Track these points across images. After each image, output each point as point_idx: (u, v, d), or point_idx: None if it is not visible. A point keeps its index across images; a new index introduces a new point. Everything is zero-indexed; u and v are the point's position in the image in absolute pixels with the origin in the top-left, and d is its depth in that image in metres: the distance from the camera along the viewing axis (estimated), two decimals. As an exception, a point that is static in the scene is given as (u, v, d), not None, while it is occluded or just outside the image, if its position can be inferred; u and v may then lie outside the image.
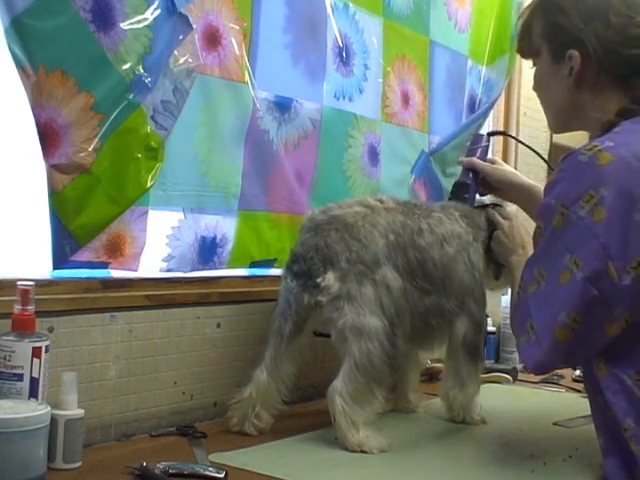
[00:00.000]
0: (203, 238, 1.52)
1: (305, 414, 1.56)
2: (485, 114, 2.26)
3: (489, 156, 1.67)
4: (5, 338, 1.10)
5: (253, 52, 1.58)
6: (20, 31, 1.18)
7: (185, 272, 1.50)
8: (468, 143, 1.74)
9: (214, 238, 1.54)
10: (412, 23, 2.04)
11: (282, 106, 1.66)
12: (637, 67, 1.20)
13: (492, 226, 1.57)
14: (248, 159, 1.58)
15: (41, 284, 1.22)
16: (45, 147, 1.23)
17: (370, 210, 1.42)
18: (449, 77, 2.19)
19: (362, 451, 1.28)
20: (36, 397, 1.10)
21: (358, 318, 1.31)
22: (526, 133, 2.61)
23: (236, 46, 1.53)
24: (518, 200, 1.61)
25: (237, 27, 1.54)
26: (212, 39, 1.49)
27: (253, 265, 1.64)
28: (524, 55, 1.37)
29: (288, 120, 1.67)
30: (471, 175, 1.62)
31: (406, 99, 2.03)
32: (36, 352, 1.10)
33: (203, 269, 1.53)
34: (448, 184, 2.20)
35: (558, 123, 1.34)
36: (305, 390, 1.68)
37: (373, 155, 1.92)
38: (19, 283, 1.12)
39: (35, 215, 1.28)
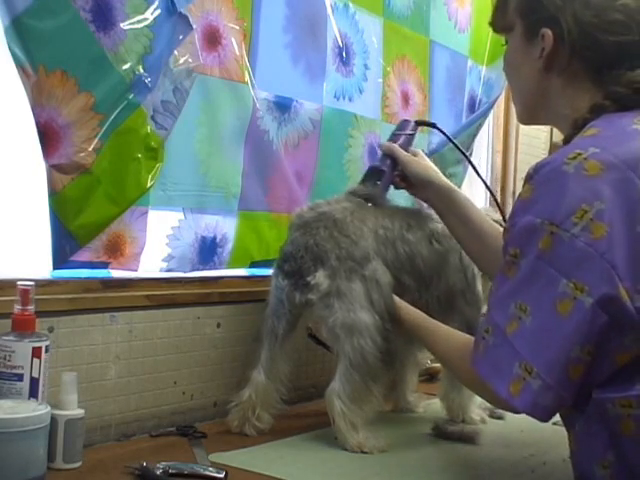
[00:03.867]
0: (203, 238, 1.52)
1: (305, 414, 1.56)
2: (485, 114, 2.26)
3: (412, 147, 1.53)
4: (5, 338, 1.10)
5: (253, 52, 1.58)
6: (20, 31, 1.18)
7: (185, 272, 1.50)
8: (394, 129, 1.58)
9: (214, 238, 1.54)
10: (412, 23, 2.04)
11: (282, 106, 1.66)
12: (612, 57, 1.08)
13: None
14: (248, 159, 1.58)
15: (41, 284, 1.22)
16: (45, 147, 1.23)
17: (358, 205, 1.41)
18: (449, 77, 2.19)
19: (362, 452, 1.28)
20: (36, 397, 1.10)
21: (348, 314, 1.31)
22: (526, 133, 2.61)
23: (236, 46, 1.53)
24: (433, 200, 1.47)
25: (237, 27, 1.54)
26: (212, 39, 1.49)
27: (253, 265, 1.64)
28: (496, 29, 1.25)
29: (288, 120, 1.67)
30: (389, 162, 1.48)
31: (406, 99, 2.03)
32: (36, 352, 1.10)
33: (203, 269, 1.53)
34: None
35: (525, 112, 1.24)
36: (305, 390, 1.68)
37: (373, 155, 1.91)
38: (19, 283, 1.12)
39: (35, 215, 1.28)
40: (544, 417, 0.98)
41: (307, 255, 1.34)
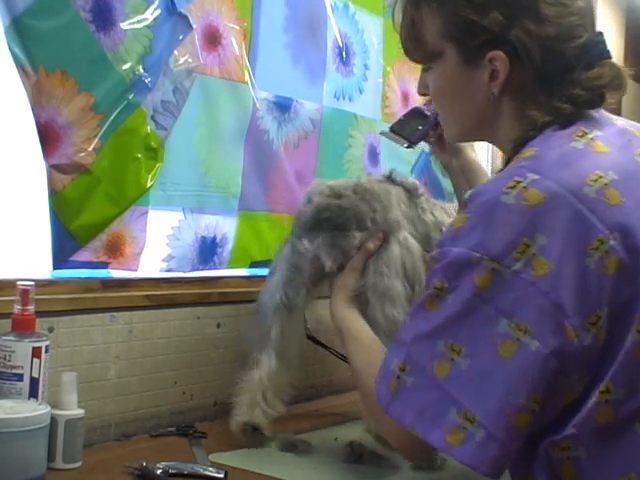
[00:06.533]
0: (203, 238, 1.52)
1: (305, 414, 1.56)
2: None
3: None
4: (5, 338, 1.10)
5: (253, 52, 1.59)
6: (20, 31, 1.18)
7: (185, 272, 1.50)
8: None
9: (214, 238, 1.54)
10: (412, 23, 2.04)
11: (282, 106, 1.66)
12: (570, 62, 0.97)
13: None
14: (248, 159, 1.58)
15: (41, 284, 1.22)
16: (45, 147, 1.23)
17: (379, 180, 1.38)
18: (449, 77, 2.19)
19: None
20: (36, 397, 1.10)
21: (382, 279, 1.24)
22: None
23: (236, 46, 1.53)
24: (456, 170, 1.38)
25: (237, 27, 1.54)
26: (212, 39, 1.49)
27: (253, 265, 1.64)
28: (416, 59, 1.08)
29: (288, 120, 1.67)
30: (434, 110, 1.28)
31: (406, 99, 2.03)
32: (36, 352, 1.10)
33: (203, 269, 1.53)
34: (448, 184, 2.20)
35: (462, 135, 1.14)
36: (305, 390, 1.68)
37: (373, 155, 1.92)
38: (19, 283, 1.12)
39: (35, 215, 1.28)
40: (490, 472, 0.87)
41: (342, 214, 1.26)
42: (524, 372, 0.85)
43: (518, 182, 0.89)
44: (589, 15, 1.01)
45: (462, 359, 0.87)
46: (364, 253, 1.26)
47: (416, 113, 1.36)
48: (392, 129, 1.37)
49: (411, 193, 1.40)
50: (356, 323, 1.21)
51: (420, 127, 1.34)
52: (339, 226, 1.26)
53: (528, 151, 0.94)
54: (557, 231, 0.86)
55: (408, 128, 1.35)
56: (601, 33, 1.03)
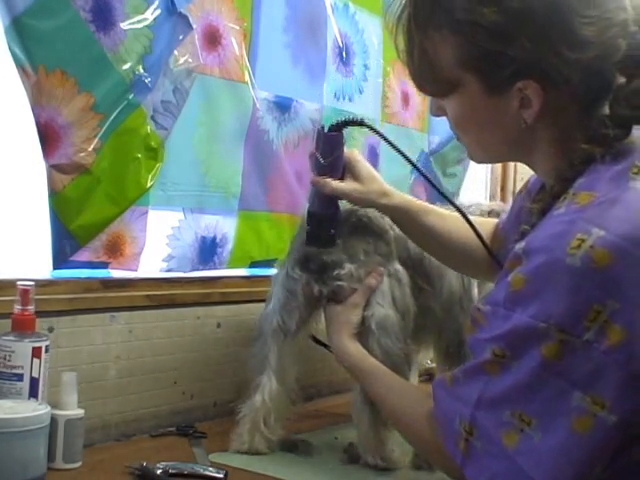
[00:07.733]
0: (203, 238, 1.52)
1: (305, 414, 1.56)
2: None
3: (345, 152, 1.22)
4: (5, 338, 1.10)
5: (253, 52, 1.59)
6: (20, 31, 1.18)
7: (185, 272, 1.50)
8: (314, 145, 1.21)
9: (214, 238, 1.54)
10: (412, 23, 2.04)
11: (282, 106, 1.66)
12: (609, 81, 0.88)
13: None
14: (248, 159, 1.58)
15: (41, 284, 1.22)
16: (45, 147, 1.23)
17: None
18: (449, 77, 2.19)
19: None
20: (36, 397, 1.10)
21: (382, 309, 1.25)
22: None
23: (236, 46, 1.53)
24: (393, 220, 1.27)
25: (237, 27, 1.54)
26: (212, 39, 1.49)
27: (253, 265, 1.64)
28: (429, 93, 0.99)
29: (288, 120, 1.67)
30: (328, 201, 1.21)
31: (406, 99, 2.03)
32: (36, 352, 1.10)
33: (203, 269, 1.53)
34: (448, 184, 2.21)
35: (491, 160, 1.06)
36: (305, 390, 1.68)
37: (373, 155, 1.92)
38: (19, 283, 1.12)
39: (35, 215, 1.28)
40: None
41: (327, 264, 1.26)
42: (602, 448, 0.80)
43: (583, 240, 0.79)
44: (626, 15, 0.87)
45: (533, 432, 0.81)
46: (366, 289, 1.26)
47: (320, 219, 1.22)
48: (312, 244, 1.24)
49: None
50: (365, 357, 1.20)
51: (332, 230, 1.22)
52: (324, 272, 1.26)
53: (584, 196, 0.84)
54: (628, 293, 0.78)
55: (324, 240, 1.23)
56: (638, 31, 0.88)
